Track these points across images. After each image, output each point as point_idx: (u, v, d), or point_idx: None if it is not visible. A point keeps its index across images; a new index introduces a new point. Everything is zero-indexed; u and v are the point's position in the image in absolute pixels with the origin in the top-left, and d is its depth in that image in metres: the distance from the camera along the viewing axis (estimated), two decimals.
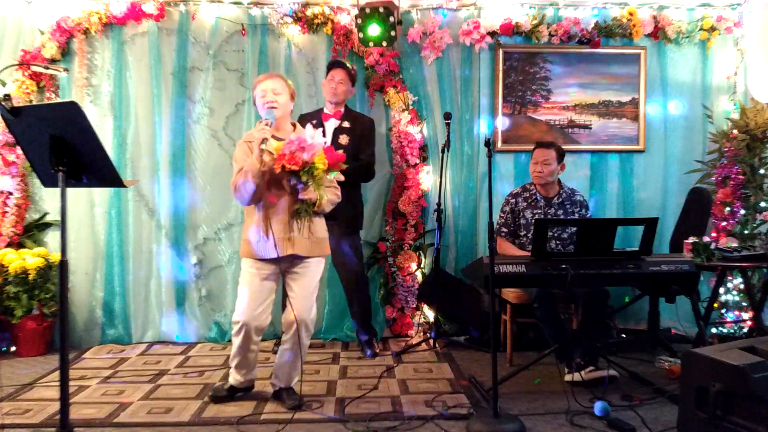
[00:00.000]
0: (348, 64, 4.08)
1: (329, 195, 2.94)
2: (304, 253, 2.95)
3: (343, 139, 3.94)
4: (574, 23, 4.53)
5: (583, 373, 3.28)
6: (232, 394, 3.18)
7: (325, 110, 4.05)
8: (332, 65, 4.05)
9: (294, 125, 3.09)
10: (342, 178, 2.98)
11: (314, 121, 3.97)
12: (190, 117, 4.44)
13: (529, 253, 3.31)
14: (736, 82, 4.64)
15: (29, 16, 4.34)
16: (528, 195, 3.86)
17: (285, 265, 3.01)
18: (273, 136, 2.86)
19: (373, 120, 4.17)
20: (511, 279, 3.17)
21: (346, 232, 4.00)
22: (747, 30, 4.53)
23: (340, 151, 3.55)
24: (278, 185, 2.89)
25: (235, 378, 3.15)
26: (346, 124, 3.99)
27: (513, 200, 3.88)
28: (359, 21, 4.05)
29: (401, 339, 4.44)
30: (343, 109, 4.04)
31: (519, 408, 3.04)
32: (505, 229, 3.88)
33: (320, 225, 3.05)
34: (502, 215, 3.90)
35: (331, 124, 3.99)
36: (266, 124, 2.82)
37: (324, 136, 3.91)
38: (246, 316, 2.95)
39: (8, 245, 4.21)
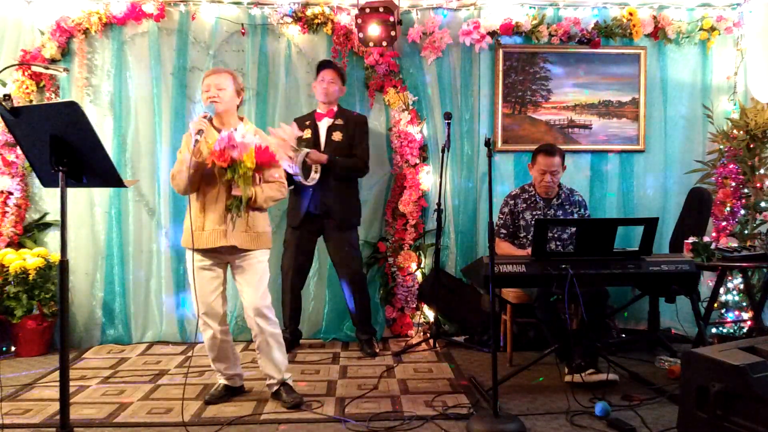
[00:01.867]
0: (337, 64, 4.12)
1: (271, 192, 3.00)
2: (239, 245, 2.97)
3: (336, 136, 4.00)
4: (574, 23, 4.53)
5: (583, 375, 3.28)
6: (228, 393, 3.19)
7: (318, 110, 4.10)
8: (322, 66, 4.08)
9: (242, 119, 3.12)
10: (282, 177, 3.06)
11: (308, 122, 4.01)
12: (190, 117, 4.44)
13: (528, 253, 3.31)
14: (736, 82, 4.64)
15: (29, 16, 4.34)
16: (527, 196, 3.86)
17: (226, 257, 3.05)
18: (216, 129, 2.97)
19: (366, 117, 4.22)
20: (511, 279, 3.17)
21: (341, 228, 4.03)
22: (747, 30, 4.53)
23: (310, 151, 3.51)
24: (215, 178, 2.94)
25: (220, 375, 3.19)
26: (339, 122, 4.05)
27: (512, 201, 3.88)
28: (359, 21, 4.05)
29: (401, 339, 4.44)
30: (335, 108, 4.07)
31: (519, 408, 3.04)
32: (504, 231, 3.88)
33: (261, 219, 3.06)
34: (501, 216, 3.90)
35: (324, 123, 4.05)
36: (204, 116, 2.87)
37: (318, 134, 3.97)
38: (201, 310, 3.03)
39: (8, 245, 4.21)
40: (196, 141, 2.78)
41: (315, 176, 3.88)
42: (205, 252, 3.00)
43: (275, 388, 3.11)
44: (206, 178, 2.96)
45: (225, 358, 3.14)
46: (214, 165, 2.78)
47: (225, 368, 3.16)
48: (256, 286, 3.03)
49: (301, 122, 3.98)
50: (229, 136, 2.76)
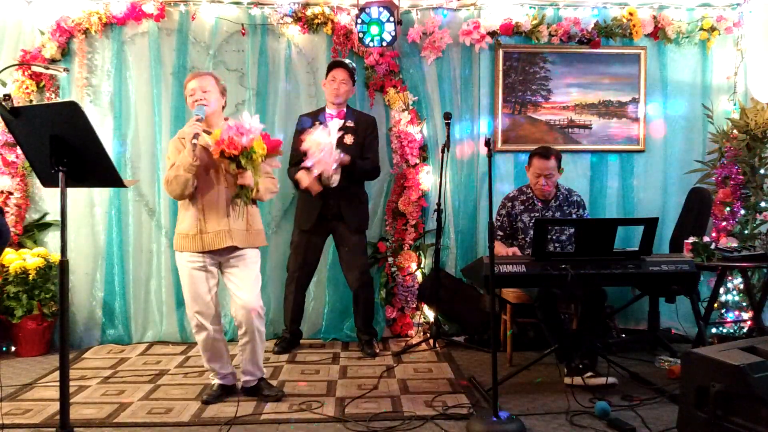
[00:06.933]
0: (349, 64, 4.09)
1: (269, 184, 3.04)
2: (241, 245, 3.01)
3: (348, 139, 3.97)
4: (574, 23, 4.53)
5: (583, 378, 3.27)
6: (223, 393, 3.20)
7: (328, 110, 4.07)
8: (333, 65, 4.06)
9: (226, 119, 3.12)
10: (279, 165, 3.07)
11: (318, 122, 3.97)
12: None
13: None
14: (736, 82, 4.64)
15: (29, 16, 4.34)
16: (524, 198, 3.85)
17: (221, 258, 3.06)
18: (205, 132, 2.97)
19: (374, 118, 4.21)
20: (511, 279, 3.17)
21: (353, 231, 4.03)
22: (747, 30, 4.53)
23: (344, 153, 3.59)
24: (212, 179, 2.97)
25: (214, 375, 3.20)
26: (350, 124, 4.01)
27: (509, 204, 3.87)
28: (359, 21, 4.06)
29: (401, 339, 4.44)
30: (345, 109, 4.05)
31: (519, 408, 3.04)
32: (500, 233, 3.86)
33: (257, 216, 3.13)
34: (498, 219, 3.89)
35: (335, 124, 4.00)
36: (197, 120, 2.89)
37: (329, 135, 3.94)
38: (196, 310, 3.03)
39: (8, 245, 4.21)
40: (194, 145, 2.80)
41: (336, 178, 3.80)
42: (201, 253, 3.01)
43: (253, 384, 3.15)
44: (202, 181, 2.97)
45: (219, 357, 3.15)
46: (221, 156, 2.77)
47: (219, 367, 3.17)
48: (252, 285, 3.06)
49: (308, 120, 3.97)
50: (237, 124, 2.77)
